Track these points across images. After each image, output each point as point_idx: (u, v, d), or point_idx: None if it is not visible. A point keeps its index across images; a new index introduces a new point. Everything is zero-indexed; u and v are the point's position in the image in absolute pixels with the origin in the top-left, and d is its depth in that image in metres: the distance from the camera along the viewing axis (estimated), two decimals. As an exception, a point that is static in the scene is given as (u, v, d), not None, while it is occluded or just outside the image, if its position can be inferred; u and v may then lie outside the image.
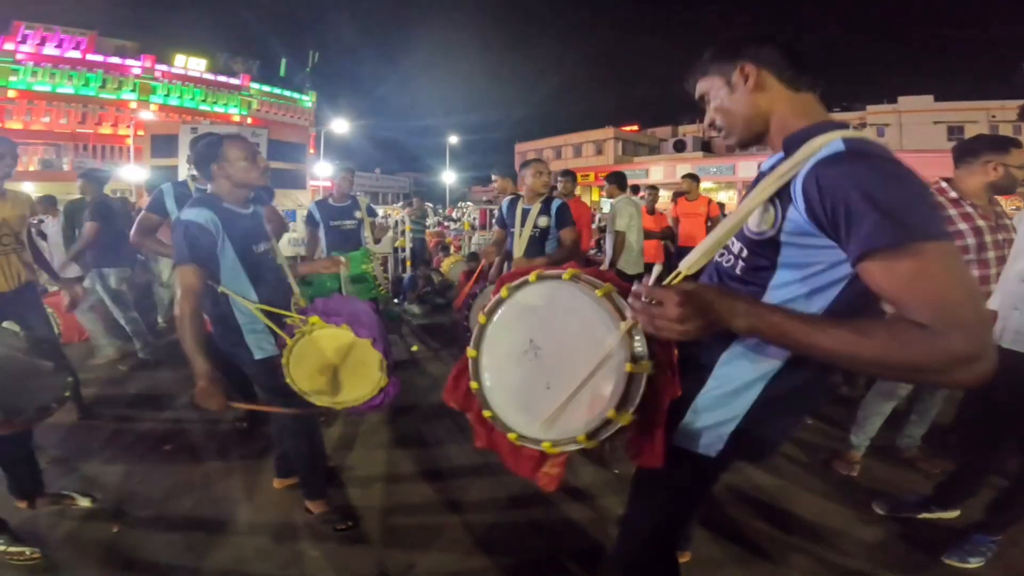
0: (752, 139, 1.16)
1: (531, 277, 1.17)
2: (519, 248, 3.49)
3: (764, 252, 1.07)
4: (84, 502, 2.46)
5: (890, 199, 0.85)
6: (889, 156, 0.92)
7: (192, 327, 1.97)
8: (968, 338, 0.81)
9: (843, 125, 1.04)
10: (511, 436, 1.12)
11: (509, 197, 3.73)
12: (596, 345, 1.04)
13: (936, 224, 0.86)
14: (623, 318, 1.02)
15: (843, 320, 0.92)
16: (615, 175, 5.47)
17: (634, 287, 1.00)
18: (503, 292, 1.20)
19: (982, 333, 0.84)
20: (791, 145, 1.06)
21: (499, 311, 1.20)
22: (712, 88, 1.17)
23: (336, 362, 2.08)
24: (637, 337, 1.01)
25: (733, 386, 1.12)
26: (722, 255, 1.19)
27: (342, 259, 2.94)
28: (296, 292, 2.37)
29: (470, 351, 1.22)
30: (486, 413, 1.18)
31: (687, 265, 1.09)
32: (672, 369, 1.05)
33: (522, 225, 3.45)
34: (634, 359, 1.00)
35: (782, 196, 1.01)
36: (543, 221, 3.41)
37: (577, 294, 1.09)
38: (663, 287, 0.97)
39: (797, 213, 0.98)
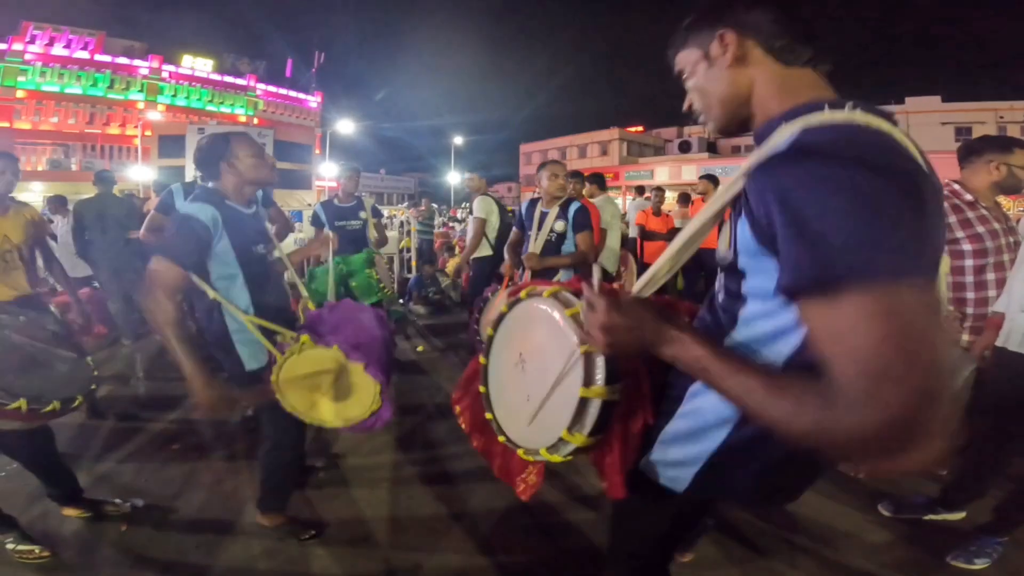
0: (734, 126, 0.96)
1: (522, 294, 1.20)
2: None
3: (734, 278, 0.89)
4: (126, 508, 2.44)
5: (823, 222, 0.64)
6: (850, 150, 0.67)
7: (175, 326, 1.84)
8: (887, 415, 0.60)
9: (868, 108, 0.76)
10: (501, 439, 1.19)
11: (528, 198, 3.69)
12: (561, 364, 1.02)
13: (888, 260, 0.62)
14: (584, 340, 0.98)
15: (763, 368, 0.77)
16: (594, 176, 5.54)
17: (584, 287, 0.96)
18: (503, 307, 1.24)
19: (915, 411, 0.60)
20: (759, 138, 0.87)
21: (502, 324, 1.26)
22: (689, 63, 0.97)
23: (327, 383, 1.99)
24: (597, 361, 0.97)
25: (699, 423, 0.97)
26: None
27: (330, 234, 2.92)
28: (305, 295, 2.31)
29: (481, 359, 1.28)
30: (488, 415, 1.25)
31: (637, 289, 1.01)
32: (641, 397, 1.04)
33: (538, 229, 3.37)
34: (587, 383, 0.97)
35: (735, 207, 0.84)
36: (560, 225, 3.32)
37: (552, 312, 1.07)
38: (601, 295, 0.91)
39: (744, 228, 0.79)
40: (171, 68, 32.84)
